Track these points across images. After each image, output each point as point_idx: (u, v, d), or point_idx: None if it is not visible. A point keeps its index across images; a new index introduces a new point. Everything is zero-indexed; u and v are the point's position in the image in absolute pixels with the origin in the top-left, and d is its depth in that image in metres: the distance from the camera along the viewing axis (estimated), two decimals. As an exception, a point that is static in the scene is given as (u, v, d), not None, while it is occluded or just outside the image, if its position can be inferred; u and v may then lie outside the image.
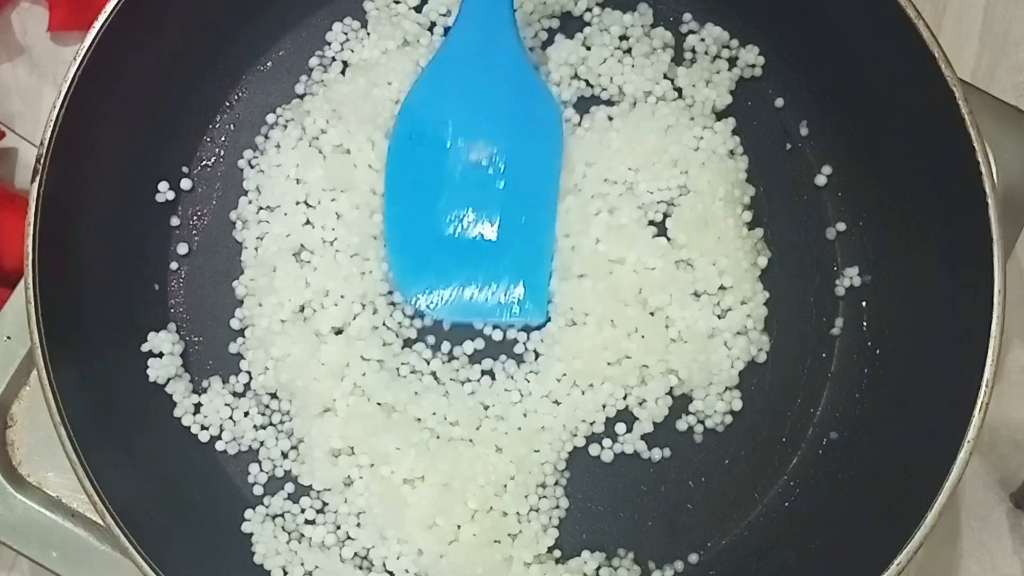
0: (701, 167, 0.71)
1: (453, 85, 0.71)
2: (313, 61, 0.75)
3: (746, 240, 0.71)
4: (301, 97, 0.74)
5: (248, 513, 0.70)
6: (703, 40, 0.74)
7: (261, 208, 0.73)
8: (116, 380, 0.68)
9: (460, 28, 0.70)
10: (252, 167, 0.74)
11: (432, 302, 0.71)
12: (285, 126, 0.74)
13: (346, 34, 0.75)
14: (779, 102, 0.74)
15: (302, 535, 0.69)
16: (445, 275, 0.71)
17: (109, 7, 0.65)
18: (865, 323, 0.71)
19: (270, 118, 0.74)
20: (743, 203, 0.72)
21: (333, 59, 0.75)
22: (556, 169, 0.71)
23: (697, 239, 0.70)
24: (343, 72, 0.74)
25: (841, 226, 0.72)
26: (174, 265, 0.73)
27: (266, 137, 0.74)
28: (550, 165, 0.71)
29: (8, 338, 0.72)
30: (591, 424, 0.70)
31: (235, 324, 0.72)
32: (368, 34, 0.75)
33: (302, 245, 0.72)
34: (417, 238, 0.71)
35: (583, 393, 0.70)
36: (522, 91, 0.71)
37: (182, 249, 0.73)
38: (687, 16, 0.74)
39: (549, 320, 0.71)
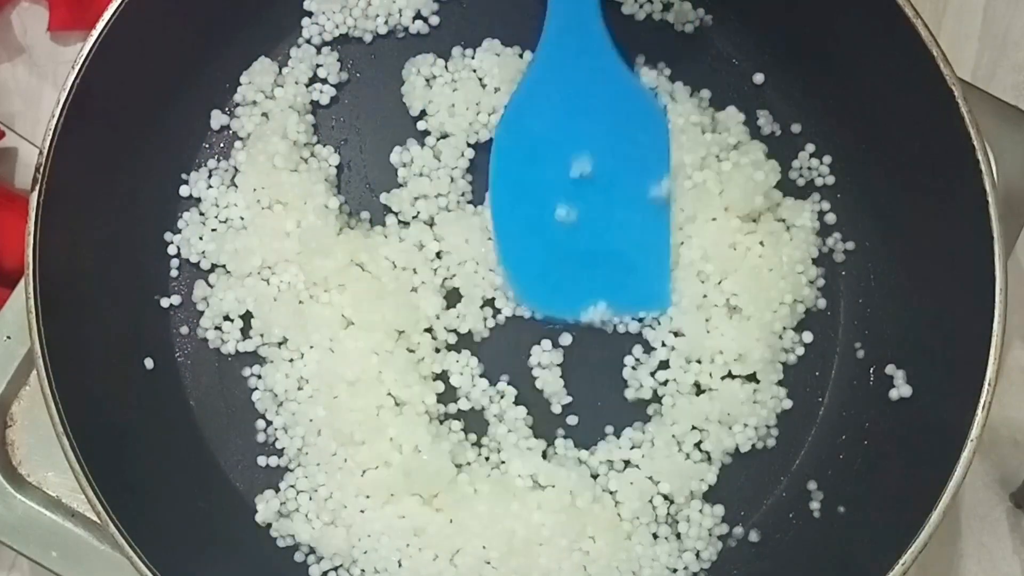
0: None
1: (549, 96, 0.69)
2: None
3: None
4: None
5: (249, 516, 0.70)
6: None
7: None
8: (116, 380, 0.68)
9: (550, 37, 0.68)
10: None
11: (553, 302, 0.70)
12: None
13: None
14: (776, 102, 0.73)
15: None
16: (562, 278, 0.70)
17: (106, 16, 0.65)
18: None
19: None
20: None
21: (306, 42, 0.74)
22: (666, 163, 0.69)
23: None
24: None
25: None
26: (174, 272, 0.72)
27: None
28: (659, 162, 0.69)
29: (8, 338, 0.71)
30: None
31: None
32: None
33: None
34: (528, 247, 0.70)
35: None
36: (621, 95, 0.69)
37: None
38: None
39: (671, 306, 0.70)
